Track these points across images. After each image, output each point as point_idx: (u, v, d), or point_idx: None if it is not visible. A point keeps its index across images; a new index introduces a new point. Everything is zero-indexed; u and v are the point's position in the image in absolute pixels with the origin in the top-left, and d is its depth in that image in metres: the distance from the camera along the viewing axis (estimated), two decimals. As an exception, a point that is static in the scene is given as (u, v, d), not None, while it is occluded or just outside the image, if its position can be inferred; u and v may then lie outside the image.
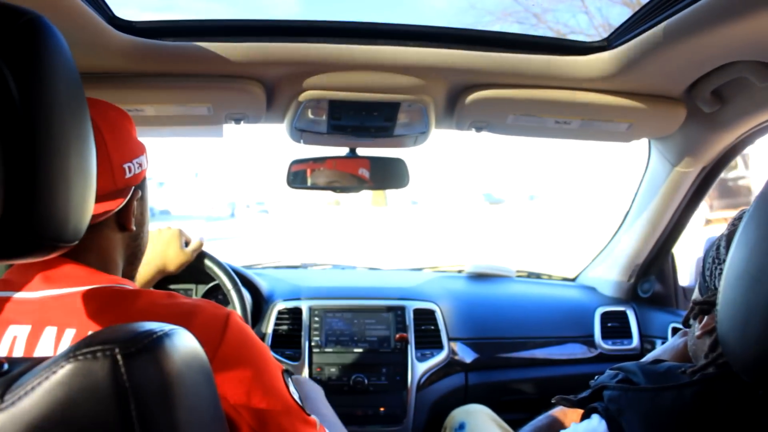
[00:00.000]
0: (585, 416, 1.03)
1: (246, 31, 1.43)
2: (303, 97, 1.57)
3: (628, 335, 2.28)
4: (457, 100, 1.65)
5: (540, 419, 1.41)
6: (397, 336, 2.10)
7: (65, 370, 0.55)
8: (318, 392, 1.38)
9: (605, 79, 1.52)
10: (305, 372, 2.02)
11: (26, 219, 0.58)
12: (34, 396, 0.55)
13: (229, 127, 1.79)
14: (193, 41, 1.39)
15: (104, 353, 0.56)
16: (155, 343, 0.60)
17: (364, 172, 1.85)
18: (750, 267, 0.75)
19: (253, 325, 2.10)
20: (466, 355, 2.16)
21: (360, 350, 2.08)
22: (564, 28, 14.29)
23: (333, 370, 2.04)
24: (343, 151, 1.86)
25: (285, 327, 2.12)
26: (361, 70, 1.50)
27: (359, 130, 1.77)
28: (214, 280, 1.91)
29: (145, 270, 1.63)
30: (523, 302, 2.41)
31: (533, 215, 27.39)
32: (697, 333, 0.99)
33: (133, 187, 1.04)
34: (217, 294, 2.11)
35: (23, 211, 0.58)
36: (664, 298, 2.34)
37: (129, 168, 1.01)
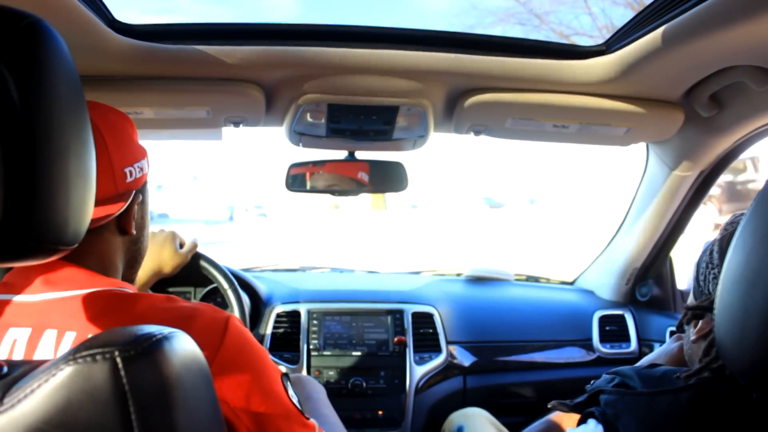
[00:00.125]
0: (582, 421, 1.03)
1: (245, 34, 1.43)
2: (302, 100, 1.57)
3: (627, 339, 2.29)
4: (455, 104, 1.66)
5: (536, 425, 1.41)
6: (396, 339, 2.10)
7: (65, 372, 0.55)
8: (320, 392, 1.37)
9: (603, 83, 1.52)
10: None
11: (26, 222, 0.59)
12: (34, 399, 0.55)
13: (228, 130, 1.79)
14: (193, 45, 1.39)
15: (104, 356, 0.56)
16: (155, 346, 0.60)
17: (362, 176, 1.85)
18: (747, 271, 0.75)
19: (252, 328, 2.10)
20: (465, 359, 2.16)
21: (358, 353, 2.08)
22: (567, 30, 14.25)
23: (331, 373, 2.04)
24: (342, 154, 1.87)
25: (283, 330, 2.12)
26: (359, 74, 1.50)
27: (358, 134, 1.77)
28: (212, 283, 1.91)
29: (141, 272, 1.64)
30: (521, 306, 2.41)
31: (534, 219, 27.34)
32: (692, 337, 0.99)
33: (134, 191, 1.04)
34: (215, 297, 2.10)
35: (23, 214, 0.58)
36: (662, 302, 2.34)
37: (130, 172, 1.01)
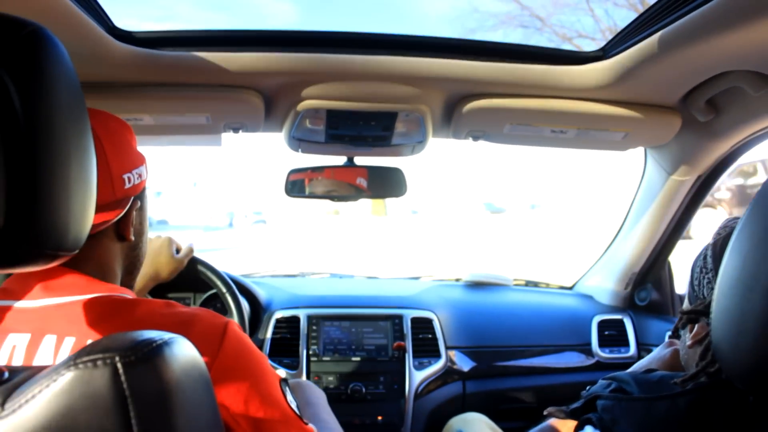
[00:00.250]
0: (579, 427, 1.03)
1: (244, 41, 1.44)
2: (301, 106, 1.58)
3: (625, 343, 2.29)
4: (453, 110, 1.66)
5: None
6: (395, 344, 2.10)
7: (66, 378, 0.56)
8: (320, 398, 1.37)
9: (601, 88, 1.53)
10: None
11: (27, 228, 0.59)
12: (35, 404, 0.55)
13: (228, 136, 1.79)
14: (192, 51, 1.40)
15: (104, 361, 0.56)
16: (155, 351, 0.60)
17: (361, 181, 1.86)
18: (743, 275, 0.76)
19: (252, 334, 2.11)
20: (464, 364, 2.16)
21: (358, 359, 2.09)
22: (569, 32, 14.22)
23: (331, 378, 2.04)
24: (340, 160, 1.87)
25: (283, 336, 2.12)
26: (358, 80, 1.51)
27: (357, 140, 1.78)
28: (212, 288, 1.91)
29: (138, 277, 1.64)
30: (520, 311, 2.41)
31: (535, 224, 27.33)
32: (688, 342, 0.99)
33: (132, 198, 1.04)
34: (215, 302, 2.11)
35: (24, 220, 0.59)
36: (660, 306, 2.35)
37: (128, 178, 1.02)
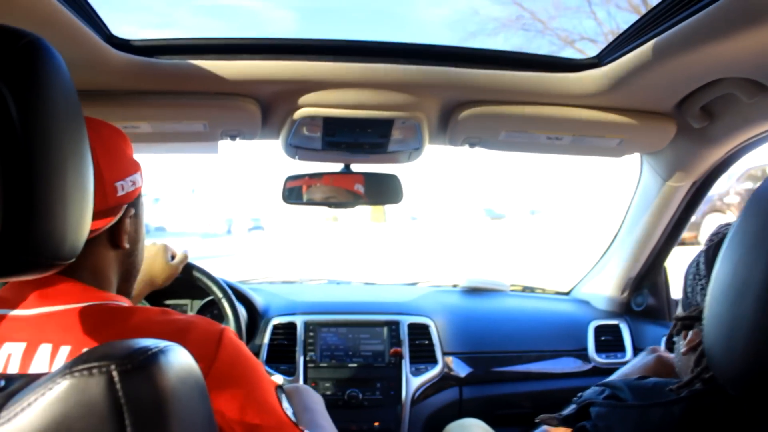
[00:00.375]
0: None
1: (241, 49, 1.44)
2: (298, 114, 1.58)
3: (622, 348, 2.29)
4: (450, 117, 1.67)
5: None
6: (392, 351, 2.10)
7: (62, 386, 0.56)
8: (318, 403, 1.37)
9: (596, 95, 1.54)
10: None
11: (24, 237, 0.59)
12: (31, 412, 0.55)
13: (226, 143, 1.80)
14: (189, 59, 1.40)
15: (100, 370, 0.57)
16: (151, 359, 0.60)
17: (358, 188, 1.86)
18: (734, 281, 0.76)
19: (249, 340, 2.11)
20: (461, 370, 2.16)
21: (354, 365, 2.09)
22: (572, 35, 14.17)
23: (328, 385, 2.04)
24: (338, 167, 1.88)
25: (280, 342, 2.12)
26: (354, 88, 1.51)
27: (353, 147, 1.78)
28: (209, 295, 1.91)
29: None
30: (517, 316, 2.42)
31: (535, 230, 27.33)
32: (683, 349, 0.99)
33: (125, 205, 1.04)
34: (212, 309, 2.11)
35: (21, 229, 0.59)
36: (657, 312, 2.35)
37: (121, 186, 1.01)
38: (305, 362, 2.08)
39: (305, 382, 2.04)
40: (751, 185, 10.59)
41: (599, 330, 2.32)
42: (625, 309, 2.41)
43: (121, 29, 1.32)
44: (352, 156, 1.85)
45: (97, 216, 0.97)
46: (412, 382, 2.07)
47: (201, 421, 0.69)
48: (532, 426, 1.44)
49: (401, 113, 1.60)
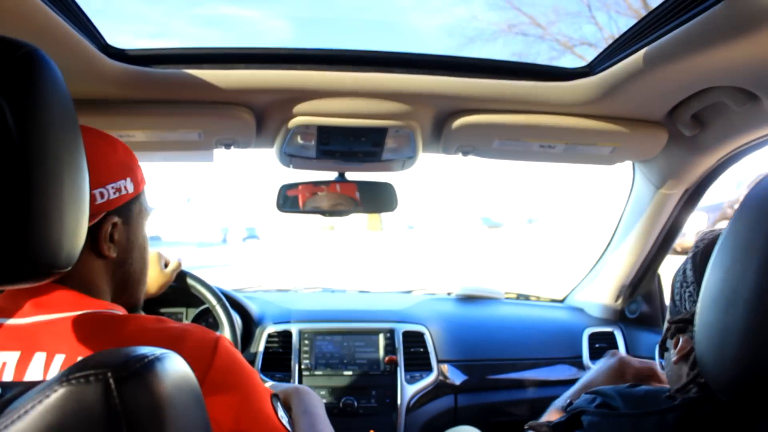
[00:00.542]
0: None
1: (236, 58, 1.45)
2: (292, 123, 1.59)
3: None
4: (443, 126, 1.68)
5: None
6: (387, 358, 2.11)
7: (58, 394, 0.56)
8: (318, 406, 1.35)
9: (588, 104, 1.55)
10: None
11: (20, 245, 0.60)
12: (27, 420, 0.55)
13: (221, 152, 1.80)
14: (184, 69, 1.41)
15: (96, 377, 0.57)
16: (147, 367, 0.60)
17: (353, 196, 1.87)
18: (725, 289, 0.77)
19: (244, 348, 2.11)
20: (456, 377, 2.17)
21: (350, 373, 2.09)
22: (571, 41, 14.07)
23: (323, 393, 2.04)
24: (332, 175, 1.88)
25: (275, 350, 2.12)
26: (348, 97, 1.52)
27: (348, 155, 1.79)
28: (203, 303, 1.91)
29: None
30: (512, 324, 2.42)
31: (532, 239, 27.31)
32: (674, 358, 0.98)
33: (104, 213, 1.01)
34: (207, 317, 2.11)
35: (17, 238, 0.59)
36: (651, 319, 2.35)
37: (101, 193, 0.99)
38: (300, 370, 2.08)
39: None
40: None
41: (594, 337, 2.33)
42: (619, 316, 2.41)
43: (117, 39, 1.32)
44: (347, 164, 1.86)
45: None
46: (407, 390, 2.07)
47: (197, 428, 0.69)
48: (526, 433, 1.44)
49: (395, 122, 1.61)
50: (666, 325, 1.03)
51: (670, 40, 1.19)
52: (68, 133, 0.67)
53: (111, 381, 0.57)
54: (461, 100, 1.57)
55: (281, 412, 1.01)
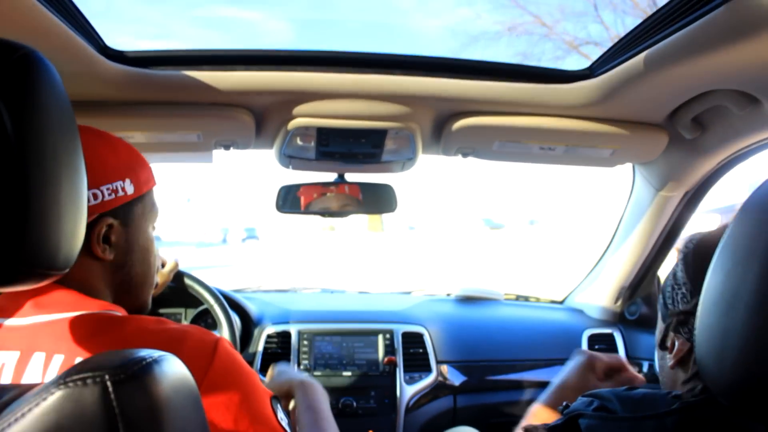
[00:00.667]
0: None
1: (235, 60, 1.45)
2: (291, 125, 1.59)
3: None
4: (443, 127, 1.68)
5: None
6: (386, 359, 2.10)
7: (55, 396, 0.56)
8: (323, 402, 1.35)
9: (589, 106, 1.55)
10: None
11: (18, 247, 0.60)
12: (25, 422, 0.55)
13: (221, 153, 1.80)
14: (183, 70, 1.41)
15: (94, 380, 0.56)
16: (145, 369, 0.60)
17: (352, 197, 1.87)
18: (725, 292, 0.77)
19: (242, 349, 2.11)
20: (455, 378, 2.16)
21: (349, 373, 2.09)
22: (577, 40, 14.00)
23: None
24: (331, 176, 1.88)
25: (274, 350, 2.12)
26: (348, 98, 1.52)
27: (347, 157, 1.79)
28: (202, 304, 1.91)
29: None
30: (511, 325, 2.42)
31: (534, 240, 27.32)
32: (670, 363, 0.97)
33: (97, 215, 0.99)
34: (206, 318, 2.11)
35: (16, 240, 0.59)
36: (650, 321, 2.35)
37: (95, 194, 0.98)
38: (299, 371, 2.07)
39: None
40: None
41: (593, 339, 2.33)
42: (618, 318, 2.41)
43: (116, 40, 1.32)
44: (346, 166, 1.86)
45: None
46: (407, 391, 2.07)
47: (195, 431, 0.69)
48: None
49: (395, 123, 1.61)
50: (661, 325, 1.03)
51: (672, 43, 1.18)
52: (66, 134, 0.67)
53: (108, 383, 0.57)
54: (461, 102, 1.57)
55: (281, 414, 1.01)
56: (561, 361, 2.24)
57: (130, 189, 1.04)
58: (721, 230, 0.93)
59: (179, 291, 1.85)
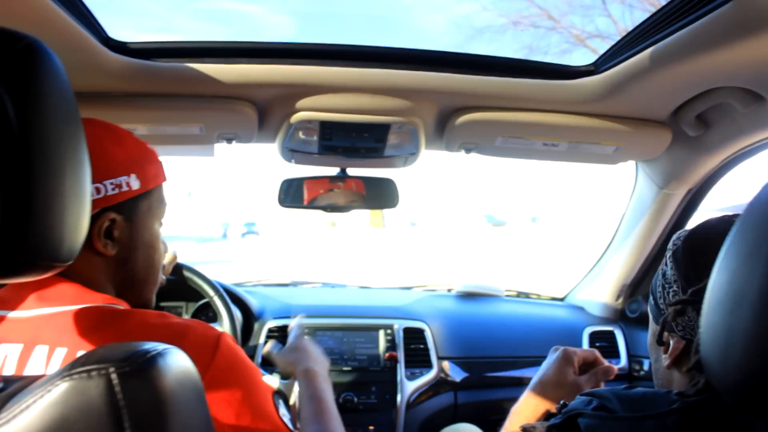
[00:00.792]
0: None
1: (238, 52, 1.45)
2: (294, 118, 1.59)
3: (616, 355, 2.29)
4: (446, 123, 1.67)
5: None
6: (387, 355, 2.10)
7: (60, 388, 0.56)
8: (327, 391, 1.33)
9: (592, 102, 1.55)
10: (295, 391, 2.02)
11: (22, 239, 0.59)
12: (30, 414, 0.55)
13: (222, 147, 1.80)
14: (186, 62, 1.41)
15: (99, 372, 0.57)
16: (149, 362, 0.60)
17: (354, 192, 1.87)
18: (731, 291, 0.76)
19: (243, 343, 2.11)
20: (456, 374, 2.16)
21: (349, 369, 2.09)
22: (584, 33, 13.86)
23: None
24: (334, 171, 1.88)
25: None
26: (351, 92, 1.52)
27: (350, 151, 1.79)
28: (203, 297, 1.91)
29: None
30: (512, 321, 2.42)
31: (536, 237, 27.32)
32: (666, 363, 0.97)
33: (99, 209, 0.97)
34: (207, 312, 2.11)
35: (19, 232, 0.59)
36: (651, 318, 2.35)
37: (97, 189, 0.96)
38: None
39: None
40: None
41: (594, 336, 2.33)
42: (619, 315, 2.41)
43: (119, 33, 1.32)
44: (348, 160, 1.85)
45: None
46: (407, 386, 2.07)
47: (199, 423, 0.69)
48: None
49: (398, 118, 1.60)
50: (654, 327, 1.02)
51: (677, 40, 1.18)
52: (70, 125, 0.67)
53: (114, 376, 0.57)
54: (464, 97, 1.57)
55: (283, 410, 1.01)
56: (561, 359, 2.25)
57: (135, 184, 1.03)
58: (705, 225, 0.96)
59: (180, 284, 1.85)
